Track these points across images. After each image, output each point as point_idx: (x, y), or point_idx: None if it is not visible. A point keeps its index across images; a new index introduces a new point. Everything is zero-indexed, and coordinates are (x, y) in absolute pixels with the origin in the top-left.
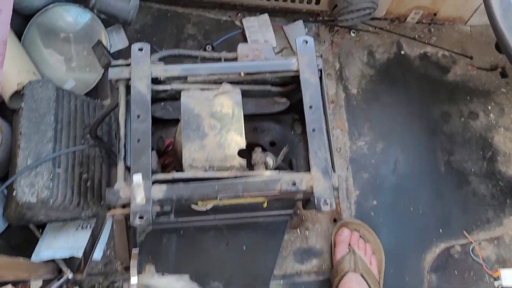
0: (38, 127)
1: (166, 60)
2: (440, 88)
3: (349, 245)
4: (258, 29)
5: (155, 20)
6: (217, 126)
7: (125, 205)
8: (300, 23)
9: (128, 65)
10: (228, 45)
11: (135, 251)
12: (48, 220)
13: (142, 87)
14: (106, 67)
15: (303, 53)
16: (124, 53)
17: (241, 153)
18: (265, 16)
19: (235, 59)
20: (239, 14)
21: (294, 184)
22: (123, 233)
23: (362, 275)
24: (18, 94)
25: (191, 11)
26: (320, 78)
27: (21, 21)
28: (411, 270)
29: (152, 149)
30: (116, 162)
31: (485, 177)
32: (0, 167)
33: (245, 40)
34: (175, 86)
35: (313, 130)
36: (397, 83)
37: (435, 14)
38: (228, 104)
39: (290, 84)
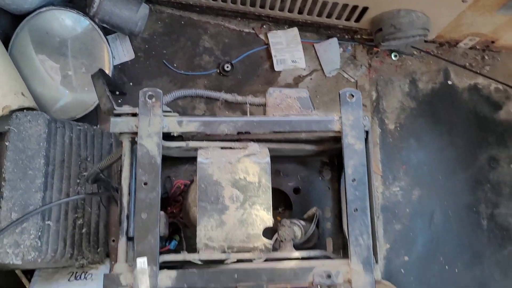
0: (25, 172)
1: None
2: (490, 128)
3: None
4: (286, 46)
5: (167, 28)
6: (239, 197)
7: None
8: (334, 41)
9: (135, 114)
10: (250, 63)
11: None
12: (36, 267)
13: (151, 147)
14: (108, 113)
15: (348, 111)
16: (129, 67)
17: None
18: (294, 31)
19: (263, 105)
20: (264, 26)
21: (329, 276)
22: None
23: None
24: (3, 117)
25: (209, 19)
26: (366, 141)
27: (10, 20)
28: None
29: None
30: (116, 200)
31: None
32: None
33: (269, 58)
34: (192, 144)
35: (355, 210)
36: (441, 119)
37: (492, 42)
38: (254, 171)
39: (327, 142)
